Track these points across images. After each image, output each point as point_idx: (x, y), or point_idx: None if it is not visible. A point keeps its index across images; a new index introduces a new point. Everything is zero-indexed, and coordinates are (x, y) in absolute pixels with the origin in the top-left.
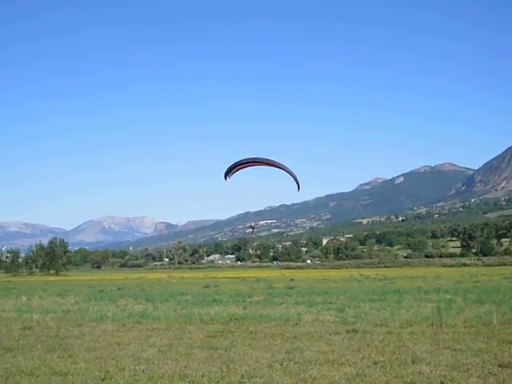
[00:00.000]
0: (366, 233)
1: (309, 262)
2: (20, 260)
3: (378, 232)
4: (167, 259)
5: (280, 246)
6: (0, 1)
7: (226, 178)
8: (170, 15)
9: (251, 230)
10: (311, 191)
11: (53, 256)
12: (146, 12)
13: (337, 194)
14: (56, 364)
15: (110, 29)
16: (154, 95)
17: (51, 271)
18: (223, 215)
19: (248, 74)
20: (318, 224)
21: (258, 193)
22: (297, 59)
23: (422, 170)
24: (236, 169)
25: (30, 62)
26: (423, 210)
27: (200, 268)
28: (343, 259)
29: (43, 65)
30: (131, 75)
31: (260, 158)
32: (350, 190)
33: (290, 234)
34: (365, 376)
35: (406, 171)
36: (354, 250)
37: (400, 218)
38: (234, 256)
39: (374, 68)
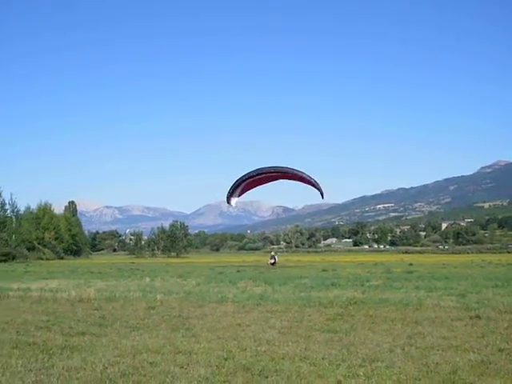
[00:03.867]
0: (487, 217)
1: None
2: (143, 242)
3: (500, 216)
4: (284, 243)
5: (398, 231)
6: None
7: (228, 201)
8: None
9: (273, 260)
10: (430, 174)
11: (174, 239)
12: None
13: (457, 177)
14: (180, 343)
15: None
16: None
17: (172, 253)
18: (340, 199)
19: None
20: (437, 208)
21: (375, 175)
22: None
23: None
24: (243, 189)
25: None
26: None
27: (317, 252)
28: (463, 244)
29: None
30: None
31: (273, 170)
32: (471, 173)
33: (408, 218)
34: (490, 363)
35: None
36: (474, 234)
37: None
38: (350, 240)
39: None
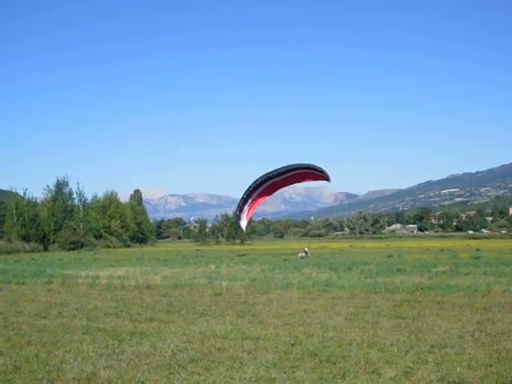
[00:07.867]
0: None
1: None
2: (207, 230)
3: None
4: (348, 229)
5: (464, 216)
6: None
7: (239, 225)
8: None
9: (304, 254)
10: (496, 158)
11: (237, 226)
12: None
13: None
14: (247, 329)
15: None
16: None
17: (236, 240)
18: (404, 184)
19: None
20: (505, 192)
21: (440, 160)
22: None
23: None
24: (252, 204)
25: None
26: None
27: (381, 238)
28: None
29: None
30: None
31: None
32: None
33: (474, 203)
34: None
35: None
36: None
37: None
38: (415, 226)
39: None
